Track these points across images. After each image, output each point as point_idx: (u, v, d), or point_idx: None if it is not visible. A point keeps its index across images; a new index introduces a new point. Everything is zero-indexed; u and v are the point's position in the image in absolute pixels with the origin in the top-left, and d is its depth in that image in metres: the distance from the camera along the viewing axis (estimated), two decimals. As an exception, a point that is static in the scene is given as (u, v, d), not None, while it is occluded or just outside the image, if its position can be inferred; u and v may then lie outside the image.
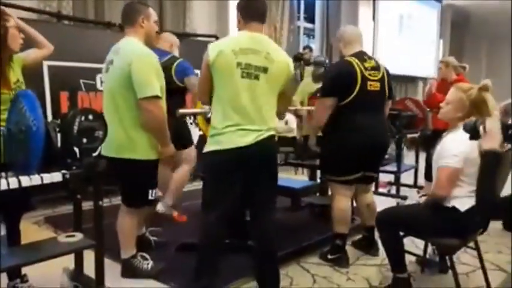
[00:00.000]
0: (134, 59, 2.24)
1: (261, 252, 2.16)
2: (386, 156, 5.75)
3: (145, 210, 2.55)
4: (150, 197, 2.42)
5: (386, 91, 2.81)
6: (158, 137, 2.36)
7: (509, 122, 1.72)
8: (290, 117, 5.92)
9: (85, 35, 4.11)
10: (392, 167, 4.60)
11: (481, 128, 1.67)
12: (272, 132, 2.09)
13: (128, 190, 2.42)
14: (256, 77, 2.01)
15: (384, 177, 4.83)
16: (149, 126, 2.30)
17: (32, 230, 3.26)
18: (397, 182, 4.64)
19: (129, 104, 2.28)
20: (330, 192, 3.06)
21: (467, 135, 2.10)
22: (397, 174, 4.58)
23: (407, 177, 4.90)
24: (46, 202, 3.83)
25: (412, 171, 4.99)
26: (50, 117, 3.68)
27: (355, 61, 2.71)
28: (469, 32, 11.78)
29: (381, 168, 4.68)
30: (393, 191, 4.70)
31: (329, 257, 2.83)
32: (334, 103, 2.70)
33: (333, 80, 2.75)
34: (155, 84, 2.25)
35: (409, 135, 5.04)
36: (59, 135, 1.96)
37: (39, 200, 3.71)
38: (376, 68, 2.77)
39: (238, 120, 2.01)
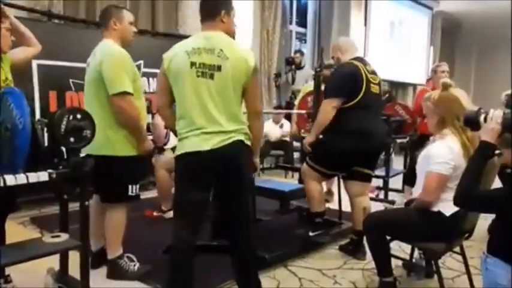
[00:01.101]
0: (104, 58, 2.31)
1: (239, 259, 2.12)
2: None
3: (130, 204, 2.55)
4: (130, 193, 2.44)
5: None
6: (132, 133, 2.39)
7: None
8: (285, 121, 5.96)
9: (75, 35, 4.09)
10: (380, 172, 4.62)
11: (481, 118, 1.68)
12: (241, 137, 2.00)
13: (107, 186, 2.40)
14: (211, 76, 1.94)
15: (372, 182, 4.84)
16: (122, 122, 2.34)
17: (17, 230, 3.23)
18: (385, 187, 4.66)
19: (103, 102, 2.33)
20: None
21: (456, 143, 2.14)
22: (385, 178, 4.60)
23: (395, 182, 4.93)
24: (32, 203, 3.80)
25: (401, 176, 5.02)
26: (38, 117, 3.65)
27: (359, 64, 2.84)
28: (459, 39, 11.92)
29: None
30: (381, 195, 4.73)
31: (310, 234, 3.03)
32: (341, 104, 2.77)
33: (341, 81, 2.82)
34: (124, 81, 2.29)
35: (398, 140, 5.08)
36: (46, 134, 1.96)
37: (25, 200, 3.68)
38: (375, 72, 2.93)
39: (202, 123, 1.95)
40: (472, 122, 1.74)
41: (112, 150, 2.35)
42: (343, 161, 2.89)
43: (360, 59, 2.92)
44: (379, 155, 3.17)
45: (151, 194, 4.47)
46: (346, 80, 2.80)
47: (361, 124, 2.79)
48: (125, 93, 2.29)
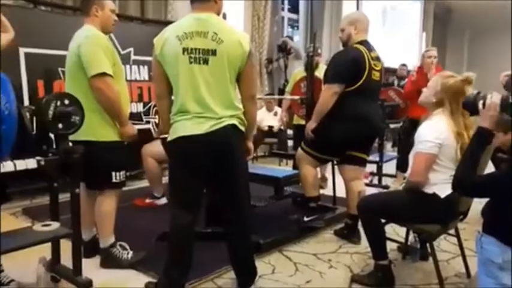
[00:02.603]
0: (82, 41, 2.29)
1: (235, 244, 2.11)
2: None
3: (119, 192, 2.50)
4: (114, 180, 2.40)
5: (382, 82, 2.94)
6: (112, 116, 2.35)
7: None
8: (278, 109, 5.93)
9: (63, 22, 3.99)
10: (374, 157, 4.62)
11: (480, 104, 1.66)
12: (233, 121, 1.95)
13: (90, 173, 2.34)
14: (205, 61, 1.88)
15: (366, 168, 4.85)
16: (101, 104, 2.30)
17: (8, 221, 3.18)
18: (379, 172, 4.67)
19: (83, 87, 2.29)
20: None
21: (442, 122, 2.13)
22: (379, 164, 4.61)
23: (389, 168, 4.94)
24: (24, 193, 3.76)
25: (394, 161, 5.02)
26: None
27: (363, 49, 2.77)
28: (451, 25, 11.92)
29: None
30: (375, 181, 4.74)
31: (305, 219, 3.02)
32: (342, 89, 2.73)
33: (344, 67, 2.77)
34: (103, 62, 2.25)
35: (392, 126, 5.08)
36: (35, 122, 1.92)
37: (17, 190, 3.64)
38: (378, 58, 2.87)
39: (195, 108, 1.90)
40: (471, 106, 1.73)
41: (93, 135, 2.30)
42: (339, 146, 2.88)
43: (366, 43, 2.84)
44: (374, 140, 3.16)
45: (145, 183, 4.45)
46: (350, 67, 2.74)
47: (357, 109, 2.77)
48: (104, 75, 2.25)
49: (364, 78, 2.74)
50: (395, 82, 7.29)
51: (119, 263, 2.44)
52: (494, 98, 1.63)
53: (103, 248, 2.46)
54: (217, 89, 1.93)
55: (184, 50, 1.89)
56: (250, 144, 2.18)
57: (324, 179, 4.49)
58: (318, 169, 4.38)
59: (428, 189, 2.16)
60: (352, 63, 2.74)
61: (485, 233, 1.62)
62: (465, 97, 1.82)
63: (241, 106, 2.02)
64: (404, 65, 7.55)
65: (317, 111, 2.86)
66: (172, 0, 5.20)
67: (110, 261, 2.45)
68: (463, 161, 1.70)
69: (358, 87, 2.74)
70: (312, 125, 2.89)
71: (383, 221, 2.33)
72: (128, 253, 2.48)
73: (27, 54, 3.72)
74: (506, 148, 1.87)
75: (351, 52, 2.81)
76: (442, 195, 2.12)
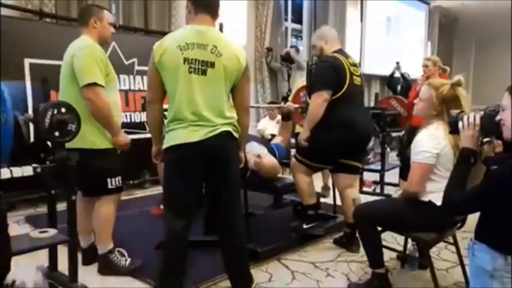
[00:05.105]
0: (76, 52, 2.32)
1: (228, 251, 2.12)
2: (370, 158, 5.83)
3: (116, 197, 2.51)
4: (110, 186, 2.42)
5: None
6: (103, 126, 2.36)
7: None
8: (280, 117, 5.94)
9: (68, 33, 4.05)
10: (376, 166, 4.61)
11: (460, 123, 1.67)
12: (227, 128, 2.00)
13: (85, 180, 2.34)
14: (204, 73, 1.94)
15: (369, 177, 4.86)
16: (92, 114, 2.32)
17: (11, 229, 3.19)
18: (381, 181, 4.65)
19: (74, 95, 2.31)
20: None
21: (440, 131, 2.12)
22: (381, 172, 4.59)
23: (392, 176, 4.91)
24: (28, 202, 3.81)
25: (397, 170, 5.00)
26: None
27: (341, 57, 2.84)
28: (456, 34, 11.89)
29: (366, 167, 4.74)
30: (378, 189, 4.72)
31: (304, 226, 3.01)
32: (330, 96, 2.77)
33: (328, 74, 2.81)
34: (94, 72, 2.28)
35: (394, 134, 5.08)
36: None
37: (21, 199, 3.70)
38: (356, 64, 2.94)
39: (190, 117, 1.94)
40: (452, 126, 1.74)
41: (86, 143, 2.32)
42: (329, 153, 2.89)
43: (341, 52, 2.93)
44: (366, 147, 3.17)
45: (149, 192, 4.49)
46: (331, 72, 2.79)
47: (345, 116, 2.79)
48: (95, 85, 2.27)
49: (347, 84, 2.78)
50: (399, 88, 7.25)
51: (116, 270, 2.46)
52: (475, 116, 1.64)
53: (101, 255, 2.48)
54: (213, 99, 1.98)
55: (185, 60, 1.93)
56: (242, 154, 2.22)
57: (326, 188, 4.48)
58: (321, 178, 4.41)
59: (425, 197, 2.16)
60: (332, 69, 2.79)
61: (477, 240, 1.62)
62: (451, 116, 1.82)
63: (234, 115, 2.06)
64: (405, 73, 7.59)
65: (308, 120, 2.87)
66: (176, 12, 5.27)
67: (107, 267, 2.47)
68: (450, 182, 1.68)
69: (343, 94, 2.78)
70: (304, 134, 2.89)
71: (379, 229, 2.32)
72: (126, 260, 2.50)
73: (32, 65, 3.80)
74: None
75: (329, 59, 2.87)
76: (438, 203, 2.10)
